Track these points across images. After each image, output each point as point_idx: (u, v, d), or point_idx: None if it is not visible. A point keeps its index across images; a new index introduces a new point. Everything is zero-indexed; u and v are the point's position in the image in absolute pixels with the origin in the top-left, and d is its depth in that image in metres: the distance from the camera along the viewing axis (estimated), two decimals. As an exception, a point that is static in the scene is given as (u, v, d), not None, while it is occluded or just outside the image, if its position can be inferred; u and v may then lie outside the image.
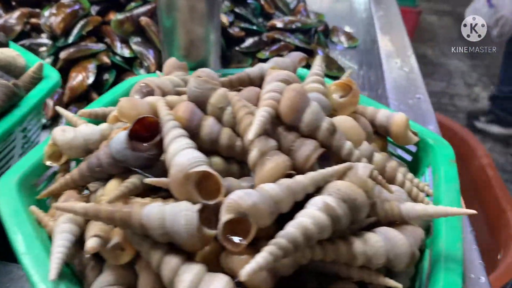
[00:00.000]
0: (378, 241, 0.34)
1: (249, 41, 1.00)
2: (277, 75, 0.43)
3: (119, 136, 0.38)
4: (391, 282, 0.34)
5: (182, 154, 0.35)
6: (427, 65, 3.14)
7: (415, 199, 0.43)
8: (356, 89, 0.46)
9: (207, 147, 0.41)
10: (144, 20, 0.86)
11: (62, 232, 0.37)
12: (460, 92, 2.94)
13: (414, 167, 0.53)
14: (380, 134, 0.52)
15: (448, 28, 3.56)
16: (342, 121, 0.42)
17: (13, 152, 0.57)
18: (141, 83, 0.48)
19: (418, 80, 0.80)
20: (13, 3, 0.93)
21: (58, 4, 0.90)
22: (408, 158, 0.54)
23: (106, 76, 0.85)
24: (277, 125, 0.41)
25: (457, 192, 0.43)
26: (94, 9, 0.92)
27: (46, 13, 0.89)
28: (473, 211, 0.34)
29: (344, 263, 0.35)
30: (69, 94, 0.81)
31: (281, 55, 0.98)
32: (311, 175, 0.35)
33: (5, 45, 0.63)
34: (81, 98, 0.83)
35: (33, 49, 0.87)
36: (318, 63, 0.50)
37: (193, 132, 0.40)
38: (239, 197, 0.32)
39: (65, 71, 0.84)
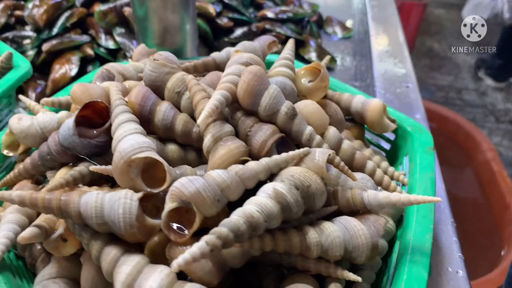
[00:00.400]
0: (335, 231, 0.32)
1: (238, 32, 0.97)
2: (239, 58, 0.40)
3: (67, 122, 0.36)
4: (350, 275, 0.32)
5: (126, 140, 0.33)
6: (434, 59, 3.08)
7: (386, 189, 0.41)
8: (325, 73, 0.44)
9: (162, 134, 0.39)
10: (127, 10, 0.85)
11: (7, 222, 0.36)
12: (468, 85, 2.88)
13: (393, 156, 0.50)
14: (357, 122, 0.50)
15: (456, 22, 3.48)
16: (304, 105, 0.39)
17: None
18: (103, 69, 0.46)
19: (409, 69, 0.77)
20: (-2, -4, 0.92)
21: (42, -5, 0.89)
22: (387, 146, 0.51)
23: (90, 68, 0.84)
24: (237, 109, 0.38)
25: (432, 180, 0.40)
26: (79, 1, 0.91)
27: (30, 5, 0.88)
28: (438, 199, 0.32)
29: (300, 255, 0.33)
30: (51, 86, 0.80)
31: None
32: (264, 161, 0.33)
33: (-23, 35, 0.62)
34: (64, 91, 0.81)
35: (17, 41, 0.86)
36: (289, 47, 0.48)
37: (146, 118, 0.38)
38: (182, 184, 0.30)
39: (49, 63, 0.83)
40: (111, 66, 0.47)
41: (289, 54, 0.46)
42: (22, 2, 0.90)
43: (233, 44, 0.97)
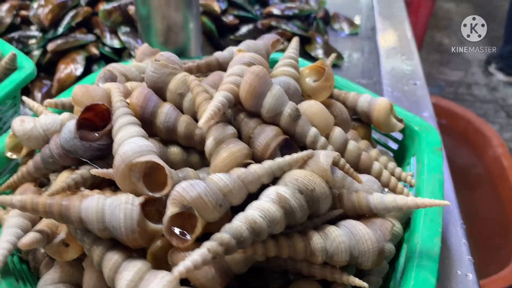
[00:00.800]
0: (340, 236, 0.31)
1: (243, 29, 0.96)
2: (241, 58, 0.40)
3: (68, 125, 0.36)
4: (356, 280, 0.31)
5: (127, 143, 0.32)
6: (444, 54, 3.04)
7: (393, 190, 0.40)
8: (330, 72, 0.43)
9: (164, 136, 0.38)
10: (132, 9, 0.84)
11: (11, 227, 0.35)
12: (478, 81, 2.84)
13: (401, 156, 0.49)
14: (363, 122, 0.49)
15: (466, 16, 3.43)
16: (308, 106, 0.38)
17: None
18: (105, 70, 0.46)
19: (417, 66, 0.75)
20: (3, -4, 0.92)
21: (47, -5, 0.88)
22: (394, 146, 0.50)
23: (95, 67, 0.83)
24: (240, 111, 0.38)
25: (440, 182, 0.39)
26: (84, 0, 0.90)
27: (35, 4, 0.88)
28: (446, 202, 0.31)
29: (305, 260, 0.32)
30: (57, 86, 0.80)
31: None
32: (267, 165, 0.32)
33: (-18, 36, 0.62)
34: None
35: (23, 41, 0.86)
36: (293, 46, 0.47)
37: (148, 120, 0.38)
38: (183, 189, 0.29)
39: (54, 63, 0.83)
40: (113, 66, 0.46)
41: (293, 53, 0.46)
42: (28, 2, 0.90)
43: (238, 42, 0.96)
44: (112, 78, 0.45)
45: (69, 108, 0.49)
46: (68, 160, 0.37)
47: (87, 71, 0.82)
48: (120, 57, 0.84)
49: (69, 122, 0.36)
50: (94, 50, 0.83)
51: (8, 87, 0.54)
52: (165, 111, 0.38)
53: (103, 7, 0.86)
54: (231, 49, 0.47)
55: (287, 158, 0.33)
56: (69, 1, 0.88)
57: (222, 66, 0.46)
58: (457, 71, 2.91)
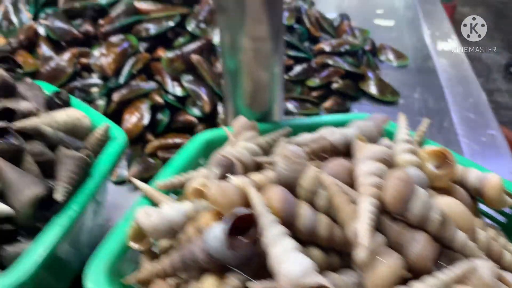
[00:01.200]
0: None
1: (297, 69, 0.97)
2: (372, 154, 0.40)
3: (216, 234, 0.36)
4: None
5: (290, 262, 0.33)
6: (463, 60, 3.02)
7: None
8: (453, 158, 0.43)
9: (305, 238, 0.39)
10: (195, 58, 0.85)
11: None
12: (500, 87, 2.82)
13: (509, 229, 0.49)
14: (472, 196, 0.49)
15: (484, 19, 3.41)
16: (447, 206, 0.38)
17: (85, 217, 0.56)
18: (221, 155, 0.46)
19: (488, 112, 0.75)
20: (63, 43, 0.93)
21: (107, 43, 0.89)
22: (502, 219, 0.50)
23: (159, 116, 0.84)
24: (381, 212, 0.38)
25: None
26: (142, 46, 0.91)
27: (96, 52, 0.89)
28: None
29: None
30: (124, 137, 0.80)
31: (331, 82, 0.95)
32: (433, 284, 0.32)
33: (68, 103, 0.63)
34: (136, 140, 0.82)
35: (85, 90, 0.87)
36: (403, 125, 0.47)
37: (288, 222, 0.38)
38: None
39: (117, 112, 0.84)
40: (227, 152, 0.47)
41: (408, 135, 0.46)
42: (87, 49, 0.91)
43: (293, 82, 0.96)
44: (228, 164, 0.45)
45: (179, 187, 0.50)
46: (212, 265, 0.38)
47: (151, 119, 0.82)
48: (184, 105, 0.85)
49: (216, 228, 0.37)
50: (158, 99, 0.84)
51: (109, 162, 0.54)
52: (306, 214, 0.38)
53: (165, 55, 0.87)
54: (344, 133, 0.47)
55: (451, 274, 0.33)
56: (129, 48, 0.89)
57: (336, 149, 0.46)
58: (478, 77, 2.90)
